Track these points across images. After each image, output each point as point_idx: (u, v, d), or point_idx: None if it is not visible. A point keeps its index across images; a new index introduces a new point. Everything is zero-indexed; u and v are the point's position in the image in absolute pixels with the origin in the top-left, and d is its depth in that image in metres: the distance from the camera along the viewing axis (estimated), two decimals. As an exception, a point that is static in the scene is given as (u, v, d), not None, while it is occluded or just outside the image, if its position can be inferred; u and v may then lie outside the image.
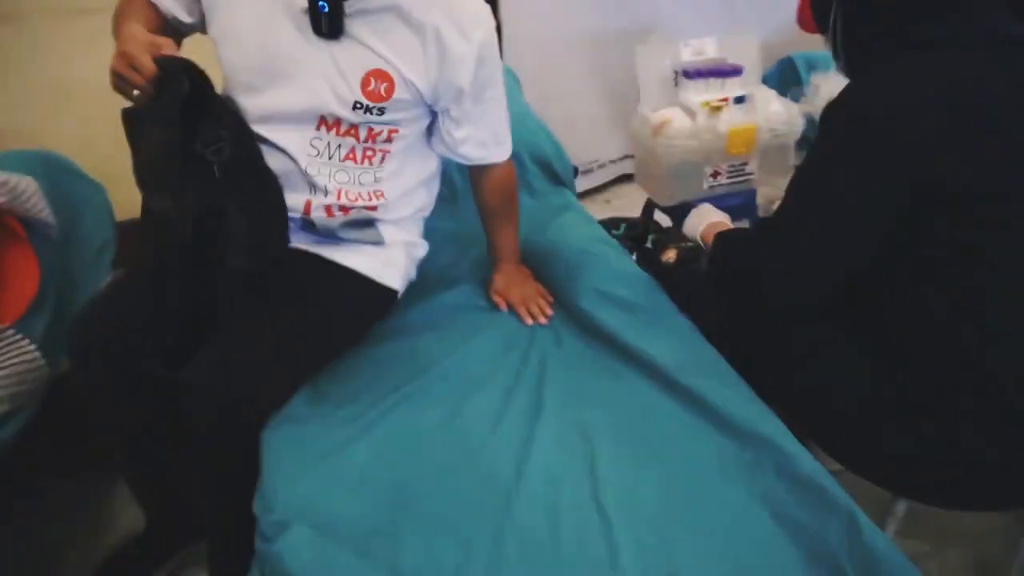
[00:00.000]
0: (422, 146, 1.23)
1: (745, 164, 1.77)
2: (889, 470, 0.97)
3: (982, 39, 0.87)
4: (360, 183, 1.15)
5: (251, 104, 1.08)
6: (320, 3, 1.00)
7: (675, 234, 1.80)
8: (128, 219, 1.69)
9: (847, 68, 1.03)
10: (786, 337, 1.08)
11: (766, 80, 1.86)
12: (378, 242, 1.19)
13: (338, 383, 1.10)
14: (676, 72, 1.81)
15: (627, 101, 1.99)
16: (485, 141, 1.21)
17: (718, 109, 1.68)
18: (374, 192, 1.17)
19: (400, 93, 1.09)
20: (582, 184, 2.45)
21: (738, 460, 0.94)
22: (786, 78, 1.95)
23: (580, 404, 1.05)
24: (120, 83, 0.94)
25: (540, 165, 1.58)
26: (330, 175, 1.13)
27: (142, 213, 1.02)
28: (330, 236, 1.17)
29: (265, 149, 1.09)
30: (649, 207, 1.98)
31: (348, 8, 1.02)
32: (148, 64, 0.91)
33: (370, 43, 1.05)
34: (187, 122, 0.94)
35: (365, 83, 1.07)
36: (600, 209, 2.45)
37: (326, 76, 1.06)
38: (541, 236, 1.40)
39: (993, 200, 0.85)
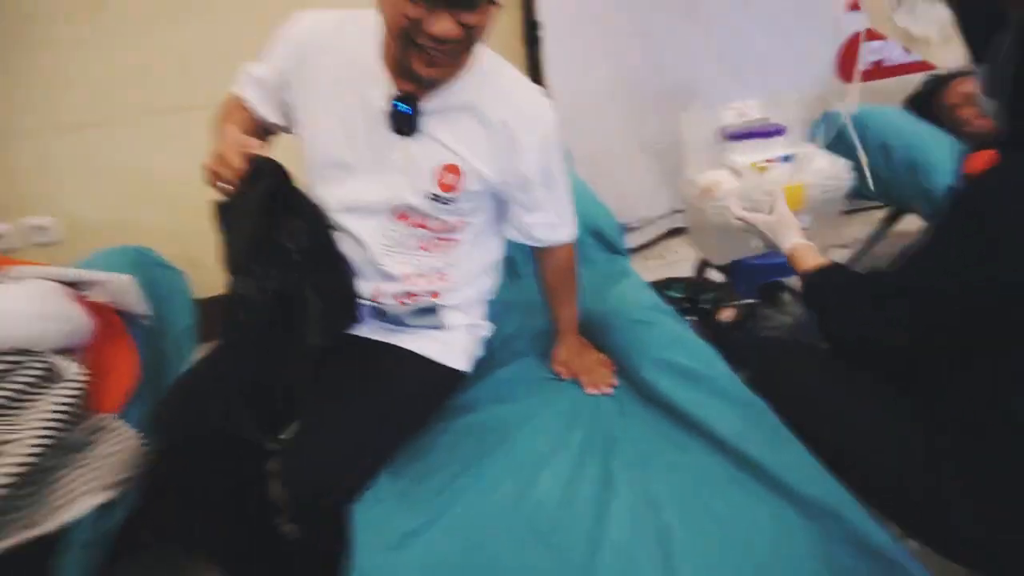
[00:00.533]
0: (489, 234, 1.29)
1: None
2: (963, 552, 0.96)
3: None
4: (428, 272, 1.21)
5: (332, 195, 1.16)
6: (399, 105, 1.09)
7: (730, 291, 1.84)
8: (207, 297, 1.83)
9: (1012, 136, 0.93)
10: (848, 409, 1.09)
11: (813, 135, 1.90)
12: (439, 327, 1.25)
13: (415, 460, 1.15)
14: (721, 134, 1.86)
15: (672, 158, 2.05)
16: (554, 223, 1.27)
17: (765, 169, 1.72)
18: (440, 278, 1.23)
19: (470, 185, 1.15)
20: (634, 240, 2.49)
21: (808, 531, 0.95)
22: (831, 133, 1.97)
23: (648, 476, 1.07)
24: (213, 178, 1.02)
25: (594, 235, 1.63)
26: (401, 264, 1.19)
27: (227, 293, 1.06)
28: (397, 323, 1.24)
29: (342, 237, 1.17)
30: (702, 265, 2.01)
31: (423, 109, 1.10)
32: (238, 163, 0.99)
33: (442, 139, 1.13)
34: (271, 213, 1.02)
35: (438, 176, 1.14)
36: (654, 265, 2.48)
37: (402, 170, 1.14)
38: (600, 306, 1.44)
39: None
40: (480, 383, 1.31)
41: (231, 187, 1.01)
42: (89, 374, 1.23)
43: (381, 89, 1.10)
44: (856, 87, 1.93)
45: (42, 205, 2.02)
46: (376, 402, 1.15)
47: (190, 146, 2.08)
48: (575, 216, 1.30)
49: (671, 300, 1.88)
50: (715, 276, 2.00)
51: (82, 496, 1.06)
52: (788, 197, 1.71)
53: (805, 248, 1.22)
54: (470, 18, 0.98)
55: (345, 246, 1.17)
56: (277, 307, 1.05)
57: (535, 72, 2.13)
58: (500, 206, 1.25)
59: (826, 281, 1.13)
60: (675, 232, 2.56)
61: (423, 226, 1.18)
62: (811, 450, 1.06)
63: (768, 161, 1.74)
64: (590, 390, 1.29)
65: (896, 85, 2.03)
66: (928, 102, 1.98)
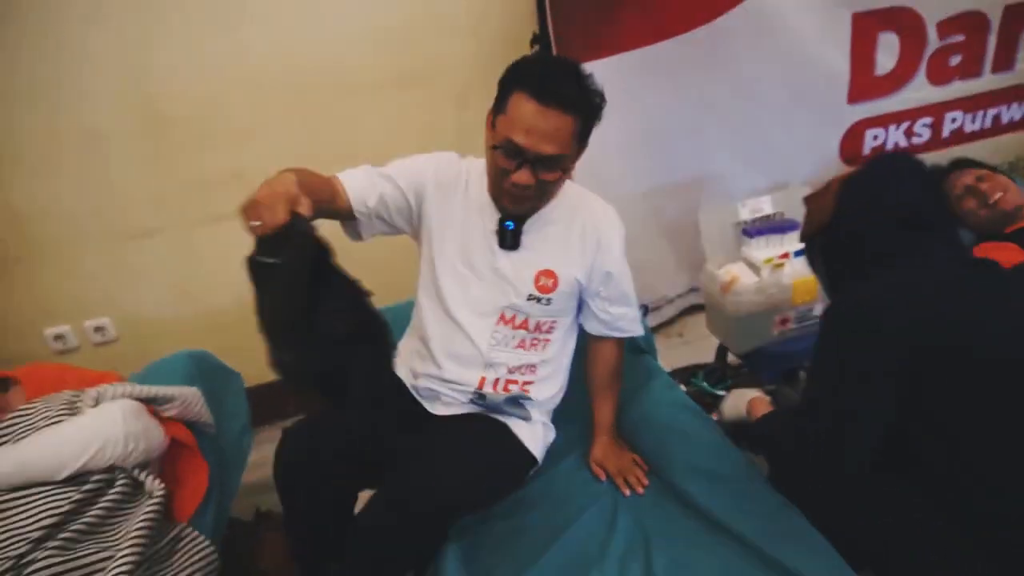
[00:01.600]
0: (571, 335, 1.49)
1: (811, 309, 1.90)
2: None
3: (929, 262, 1.13)
4: (523, 365, 1.40)
5: (450, 295, 1.37)
6: (507, 223, 1.33)
7: (749, 379, 1.93)
8: (252, 385, 1.94)
9: (829, 291, 1.33)
10: (856, 504, 1.18)
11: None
12: (527, 418, 1.43)
13: (485, 550, 1.29)
14: (738, 228, 1.98)
15: (688, 238, 2.17)
16: (634, 318, 1.49)
17: (780, 266, 1.83)
18: (531, 371, 1.42)
19: (563, 285, 1.37)
20: (654, 320, 2.60)
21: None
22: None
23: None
24: (248, 213, 1.00)
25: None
26: (504, 359, 1.39)
27: (269, 358, 1.05)
28: (493, 409, 1.41)
29: (455, 334, 1.38)
30: (722, 351, 2.11)
31: (525, 228, 1.34)
32: (281, 214, 0.97)
33: (539, 248, 1.36)
34: (308, 290, 0.99)
35: (536, 280, 1.36)
36: (674, 345, 2.58)
37: (507, 278, 1.36)
38: (631, 409, 1.54)
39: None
40: (532, 480, 1.44)
41: (261, 232, 0.98)
42: (165, 487, 1.33)
43: (490, 214, 1.35)
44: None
45: (101, 308, 2.17)
46: (478, 448, 1.35)
47: (231, 251, 2.26)
48: (640, 321, 1.52)
49: (695, 389, 1.98)
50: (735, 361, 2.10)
51: (170, 610, 1.15)
52: (802, 290, 1.84)
53: (758, 400, 1.41)
54: (547, 175, 1.23)
55: (459, 343, 1.38)
56: (318, 379, 1.12)
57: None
58: (581, 308, 1.46)
59: (766, 429, 1.31)
60: (693, 309, 2.67)
61: (524, 328, 1.39)
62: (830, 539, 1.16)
63: (783, 257, 1.86)
64: (626, 492, 1.39)
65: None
66: None
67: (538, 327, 1.40)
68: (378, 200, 1.33)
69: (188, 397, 1.48)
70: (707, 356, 2.21)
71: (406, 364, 1.47)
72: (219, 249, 2.18)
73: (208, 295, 2.26)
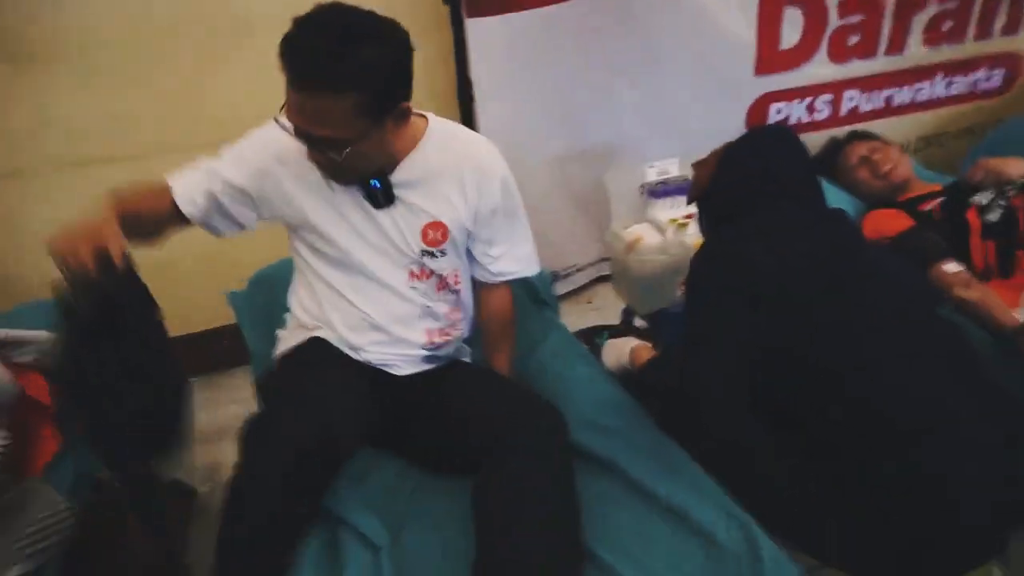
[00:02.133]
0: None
1: (714, 272, 1.91)
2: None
3: (777, 220, 1.28)
4: (452, 304, 1.39)
5: (347, 269, 1.30)
6: (372, 181, 1.22)
7: (652, 339, 1.94)
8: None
9: (705, 235, 1.50)
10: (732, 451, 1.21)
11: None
12: (465, 357, 1.46)
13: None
14: (643, 190, 1.98)
15: (600, 208, 2.16)
16: (519, 256, 1.43)
17: (685, 226, 1.85)
18: (456, 310, 1.40)
19: (454, 233, 1.31)
20: (563, 287, 2.58)
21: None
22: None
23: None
24: (54, 254, 1.00)
25: (524, 289, 1.70)
26: (436, 307, 1.35)
27: None
28: (444, 357, 1.40)
29: (387, 296, 1.31)
30: (628, 313, 2.12)
31: (394, 180, 1.24)
32: (86, 259, 0.98)
33: (420, 199, 1.28)
34: (87, 341, 1.02)
35: (424, 235, 1.29)
36: (583, 311, 2.58)
37: (394, 239, 1.28)
38: (529, 359, 1.52)
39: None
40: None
41: (67, 279, 0.98)
42: (12, 438, 1.20)
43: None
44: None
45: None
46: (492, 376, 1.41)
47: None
48: (534, 259, 1.47)
49: (598, 349, 1.97)
50: (641, 323, 2.11)
51: (12, 565, 1.04)
52: (705, 251, 1.85)
53: (640, 348, 1.49)
54: (335, 155, 1.11)
55: (393, 303, 1.32)
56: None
57: (469, 126, 2.21)
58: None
59: (650, 379, 1.38)
60: (604, 279, 2.67)
61: (436, 274, 1.34)
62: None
63: (687, 217, 1.87)
64: None
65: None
66: (828, 163, 2.17)
67: (446, 276, 1.36)
68: (206, 197, 1.25)
69: (46, 343, 1.34)
70: (614, 322, 2.22)
71: (339, 340, 1.34)
72: (94, 196, 2.01)
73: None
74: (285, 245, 1.45)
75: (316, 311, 1.36)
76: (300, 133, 1.10)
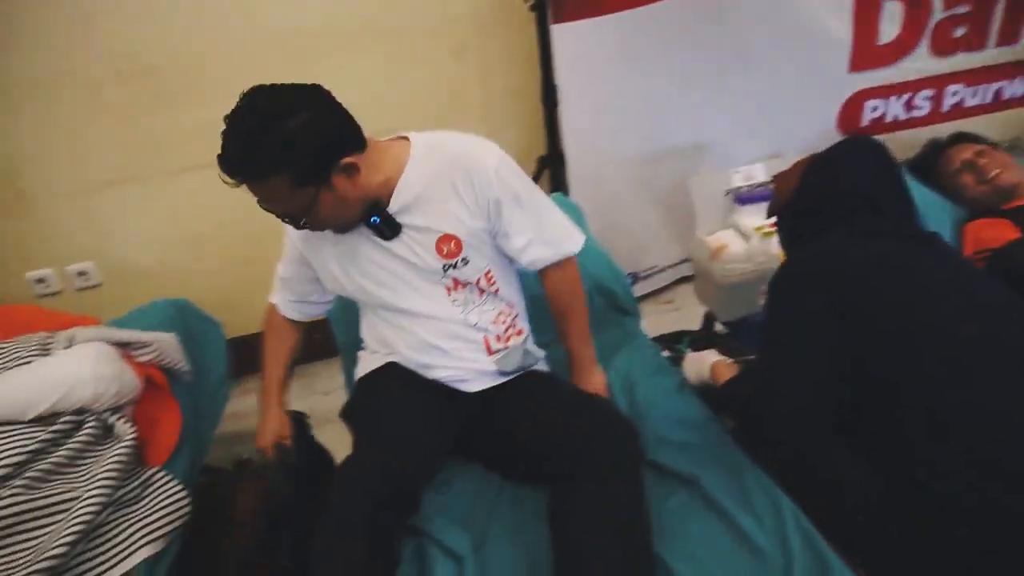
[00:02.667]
0: (511, 276, 1.43)
1: (799, 280, 1.87)
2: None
3: (858, 232, 1.22)
4: (503, 309, 1.39)
5: (390, 307, 1.36)
6: (373, 219, 1.26)
7: (734, 347, 1.92)
8: (236, 336, 1.94)
9: (786, 249, 1.43)
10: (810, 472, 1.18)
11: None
12: (538, 360, 1.45)
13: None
14: (729, 195, 1.95)
15: (683, 209, 2.13)
16: (549, 240, 1.36)
17: (771, 234, 1.81)
18: (510, 309, 1.41)
19: (467, 239, 1.30)
20: (644, 288, 2.58)
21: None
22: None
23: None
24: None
25: (604, 296, 1.72)
26: (480, 313, 1.36)
27: None
28: (516, 371, 1.40)
29: (434, 326, 1.35)
30: (709, 318, 2.09)
31: (392, 210, 1.26)
32: (270, 453, 1.37)
33: (423, 223, 1.28)
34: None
35: (439, 251, 1.30)
36: (663, 311, 2.57)
37: (413, 264, 1.31)
38: (607, 370, 1.53)
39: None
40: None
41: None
42: (138, 430, 1.33)
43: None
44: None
45: (84, 253, 2.14)
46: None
47: (217, 200, 2.22)
48: (575, 229, 1.41)
49: (679, 355, 1.97)
50: (721, 328, 2.09)
51: (137, 549, 1.15)
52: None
53: (720, 365, 1.41)
54: (302, 218, 1.19)
55: (439, 329, 1.35)
56: None
57: (553, 130, 2.24)
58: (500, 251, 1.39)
59: (731, 395, 1.32)
60: (686, 279, 2.64)
61: (470, 283, 1.35)
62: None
63: (773, 225, 1.82)
64: None
65: (896, 141, 2.11)
66: (928, 167, 2.07)
67: (478, 282, 1.35)
68: (298, 302, 1.50)
69: (164, 343, 1.46)
70: (695, 324, 2.20)
71: (409, 362, 1.39)
72: (200, 198, 2.15)
73: (195, 244, 2.23)
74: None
75: (382, 341, 1.42)
76: (267, 210, 1.19)
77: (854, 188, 1.27)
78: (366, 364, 1.44)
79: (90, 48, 1.89)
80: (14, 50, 1.84)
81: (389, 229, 1.28)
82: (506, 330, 1.40)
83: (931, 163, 2.07)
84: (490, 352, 1.38)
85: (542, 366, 1.48)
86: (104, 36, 1.89)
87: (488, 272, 1.36)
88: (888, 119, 2.43)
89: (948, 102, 2.46)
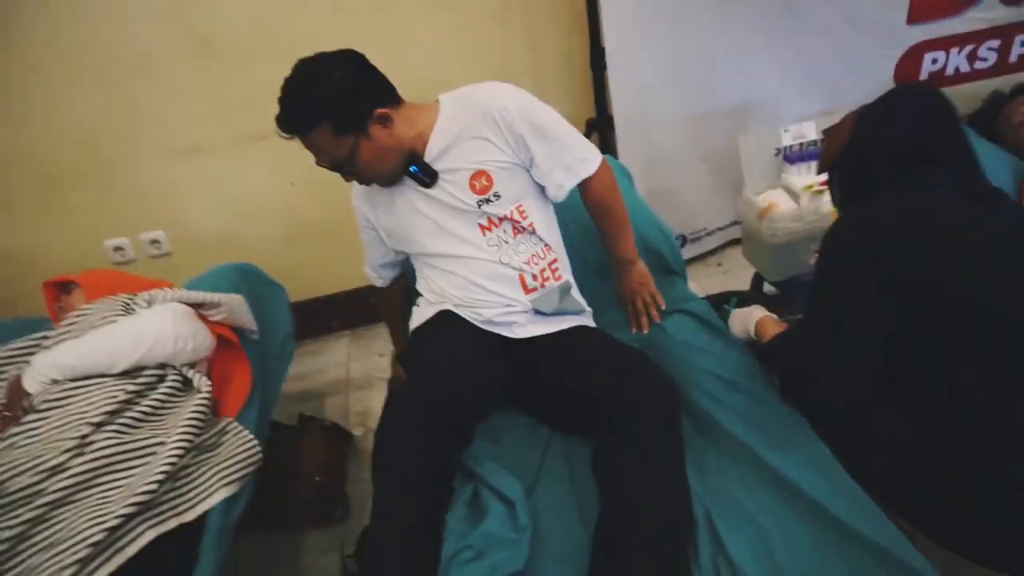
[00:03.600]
0: (546, 210, 1.53)
1: (850, 239, 1.85)
2: (974, 548, 1.06)
3: (914, 186, 1.19)
4: (537, 250, 1.48)
5: (434, 253, 1.48)
6: (412, 168, 1.40)
7: (783, 306, 1.92)
8: (297, 301, 2.03)
9: (842, 206, 1.38)
10: (855, 427, 1.19)
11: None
12: (582, 311, 1.54)
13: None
14: (779, 154, 1.94)
15: (733, 171, 2.13)
16: (570, 164, 1.47)
17: (820, 192, 1.80)
18: (548, 250, 1.49)
19: (497, 173, 1.42)
20: (693, 251, 2.58)
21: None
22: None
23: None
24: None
25: (652, 256, 1.74)
26: (518, 256, 1.46)
27: None
28: (556, 314, 1.48)
29: (473, 265, 1.45)
30: (758, 279, 2.10)
31: (428, 159, 1.41)
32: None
33: (456, 164, 1.42)
34: None
35: (472, 187, 1.42)
36: (712, 273, 2.57)
37: (452, 204, 1.43)
38: (656, 330, 1.58)
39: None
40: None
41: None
42: (212, 384, 1.43)
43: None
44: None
45: (156, 222, 2.28)
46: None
47: (282, 169, 2.31)
48: (592, 147, 1.50)
49: (726, 315, 1.98)
50: (771, 289, 2.09)
51: (217, 490, 1.26)
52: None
53: (766, 320, 1.42)
54: (350, 167, 1.36)
55: (478, 268, 1.45)
56: None
57: (601, 93, 2.24)
58: (532, 182, 1.49)
59: (777, 350, 1.32)
60: (735, 242, 2.63)
61: (504, 220, 1.45)
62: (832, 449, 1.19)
63: (823, 184, 1.81)
64: (632, 329, 1.61)
65: (958, 95, 2.04)
66: (990, 120, 2.00)
67: (511, 216, 1.45)
68: (378, 253, 1.66)
69: (234, 304, 1.56)
70: (744, 285, 2.21)
71: (460, 308, 1.46)
72: (267, 167, 2.26)
73: (258, 213, 2.34)
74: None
75: (432, 290, 1.51)
76: (320, 165, 1.36)
77: (908, 137, 1.23)
78: (420, 316, 1.52)
79: (155, 23, 1.98)
80: (89, 27, 1.95)
81: (427, 176, 1.41)
82: (542, 272, 1.47)
83: (993, 116, 2.01)
84: (526, 290, 1.46)
85: (589, 321, 1.55)
86: (168, 11, 1.98)
87: (520, 206, 1.45)
88: (949, 72, 2.35)
89: (1016, 52, 2.35)
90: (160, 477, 1.18)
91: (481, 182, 1.42)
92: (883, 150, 1.25)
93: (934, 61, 2.32)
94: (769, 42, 2.22)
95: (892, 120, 1.26)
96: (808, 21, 2.20)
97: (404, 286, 1.75)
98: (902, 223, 1.12)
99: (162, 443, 1.25)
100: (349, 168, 1.36)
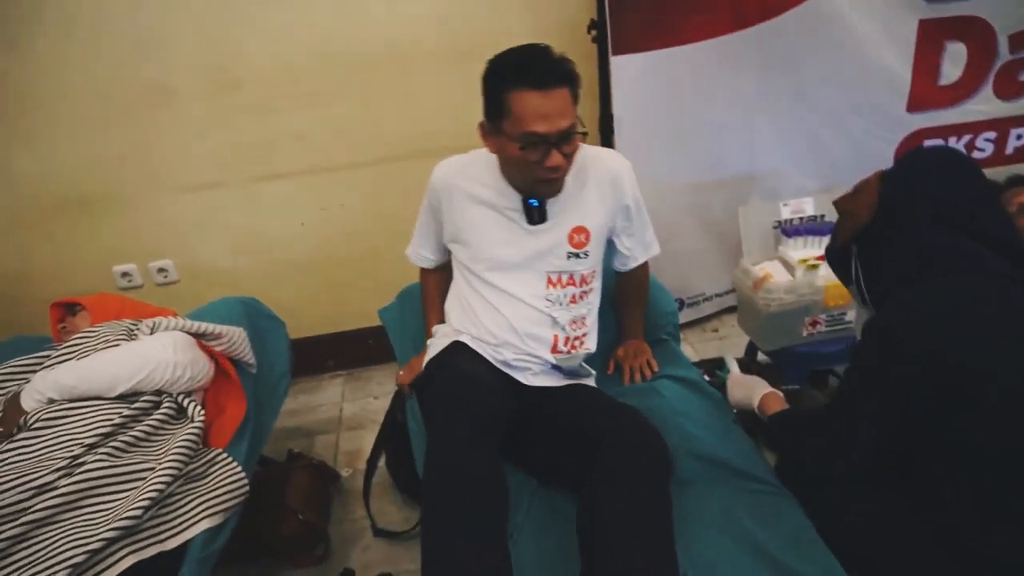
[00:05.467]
0: (600, 284, 1.61)
1: (843, 314, 1.89)
2: None
3: (980, 274, 1.07)
4: (578, 319, 1.54)
5: (499, 280, 1.51)
6: (531, 200, 1.45)
7: (775, 376, 1.94)
8: (297, 338, 2.06)
9: (862, 300, 1.28)
10: (851, 510, 1.20)
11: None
12: (590, 375, 1.60)
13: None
14: (777, 227, 1.99)
15: (732, 240, 2.18)
16: (648, 243, 1.65)
17: (815, 267, 1.84)
18: (583, 323, 1.55)
19: (595, 234, 1.51)
20: (690, 315, 2.62)
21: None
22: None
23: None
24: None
25: (650, 317, 1.78)
26: (564, 317, 1.51)
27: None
28: (570, 373, 1.56)
29: (519, 308, 1.50)
30: (752, 348, 2.12)
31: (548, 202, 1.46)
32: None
33: (564, 210, 1.49)
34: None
35: (571, 239, 1.50)
36: (708, 339, 2.60)
37: (543, 249, 1.49)
38: (647, 391, 1.61)
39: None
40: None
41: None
42: (206, 414, 1.45)
43: (509, 197, 1.48)
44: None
45: (165, 252, 2.32)
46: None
47: (293, 209, 2.38)
48: (655, 238, 1.68)
49: (718, 381, 2.00)
50: (764, 359, 2.11)
51: (200, 520, 1.26)
52: (834, 293, 1.83)
53: (771, 396, 1.41)
54: (569, 148, 1.36)
55: (523, 314, 1.50)
56: None
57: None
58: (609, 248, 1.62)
59: (781, 427, 1.32)
60: (732, 309, 2.67)
61: (571, 283, 1.52)
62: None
63: (818, 258, 1.86)
64: (626, 380, 1.66)
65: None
66: None
67: (583, 280, 1.52)
68: (432, 247, 1.68)
69: (234, 336, 1.59)
70: (738, 352, 2.23)
71: (480, 342, 1.51)
72: (278, 206, 2.32)
73: (265, 249, 2.39)
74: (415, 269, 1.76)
75: (466, 311, 1.55)
76: (542, 140, 1.31)
77: (944, 197, 1.11)
78: (435, 348, 1.56)
79: (184, 61, 2.07)
80: (119, 60, 2.03)
81: (540, 214, 1.46)
82: (577, 339, 1.54)
83: None
84: (554, 350, 1.51)
85: (591, 383, 1.59)
86: (196, 50, 2.06)
87: (593, 271, 1.55)
88: (947, 160, 2.42)
89: (1012, 144, 2.44)
90: (146, 503, 1.19)
91: (581, 238, 1.50)
92: (917, 210, 1.11)
93: (933, 148, 2.39)
94: (774, 119, 2.31)
95: (924, 175, 1.15)
96: (813, 101, 2.29)
97: (448, 276, 1.70)
98: (948, 330, 1.02)
99: (151, 468, 1.26)
100: (568, 148, 1.35)
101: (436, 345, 1.57)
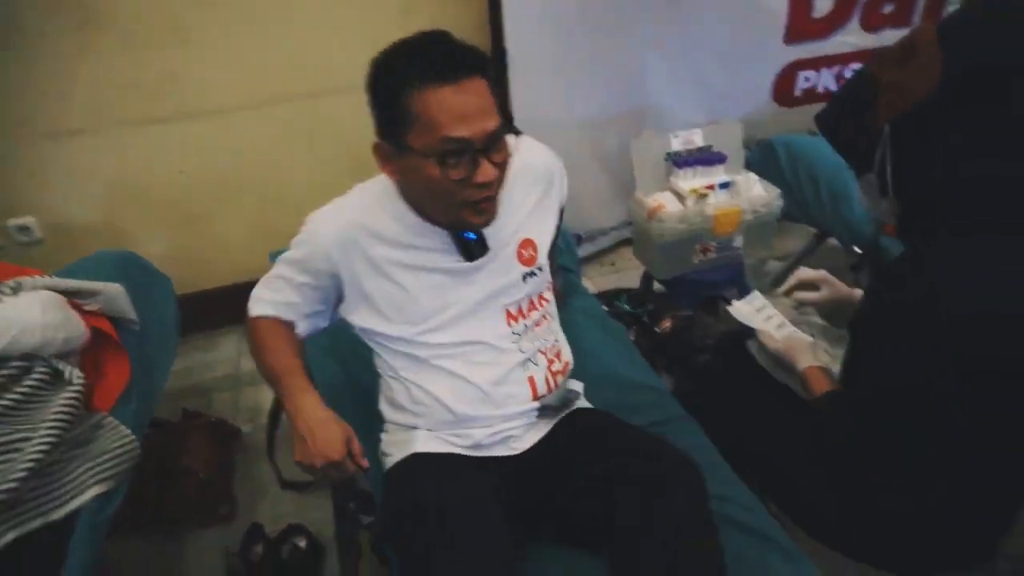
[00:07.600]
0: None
1: (731, 241, 1.99)
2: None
3: None
4: (547, 341, 1.27)
5: (447, 338, 1.19)
6: (466, 234, 1.14)
7: (669, 304, 2.03)
8: (184, 293, 1.94)
9: (905, 208, 0.98)
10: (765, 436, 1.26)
11: (748, 163, 2.09)
12: (579, 395, 1.33)
13: None
14: (668, 158, 2.04)
15: (626, 173, 2.22)
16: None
17: (705, 196, 1.91)
18: (555, 346, 1.29)
19: (542, 245, 1.25)
20: (587, 249, 2.67)
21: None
22: (767, 161, 2.17)
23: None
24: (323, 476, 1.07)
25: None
26: (533, 346, 1.24)
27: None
28: (560, 405, 1.27)
29: (489, 354, 1.20)
30: (647, 278, 2.20)
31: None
32: (349, 469, 1.05)
33: (505, 224, 1.19)
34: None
35: (519, 256, 1.21)
36: (605, 272, 2.67)
37: (495, 282, 1.19)
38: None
39: None
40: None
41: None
42: (86, 376, 1.35)
43: (437, 239, 1.15)
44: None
45: (25, 207, 2.11)
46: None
47: (171, 156, 2.22)
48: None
49: (617, 310, 2.07)
50: (659, 287, 2.19)
51: (89, 487, 1.19)
52: (724, 220, 1.92)
53: (817, 372, 1.21)
54: (499, 157, 1.05)
55: (490, 367, 1.20)
56: None
57: (503, 93, 2.28)
58: None
59: (826, 408, 1.16)
60: (627, 242, 2.74)
61: (532, 308, 1.25)
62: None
63: (708, 187, 1.93)
64: None
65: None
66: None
67: (541, 298, 1.27)
68: (308, 301, 1.21)
69: (111, 292, 1.47)
70: (635, 283, 2.31)
71: (443, 431, 1.22)
72: (152, 152, 2.15)
73: (143, 201, 2.22)
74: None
75: (418, 399, 1.22)
76: (466, 147, 1.01)
77: None
78: (394, 454, 1.24)
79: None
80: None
81: (480, 247, 1.17)
82: (558, 372, 1.27)
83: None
84: (535, 396, 1.23)
85: (583, 403, 1.34)
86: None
87: (549, 283, 1.29)
88: (820, 90, 2.55)
89: (876, 75, 2.59)
90: (23, 474, 1.10)
91: (529, 252, 1.22)
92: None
93: (807, 80, 2.52)
94: (664, 56, 2.35)
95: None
96: (699, 35, 2.34)
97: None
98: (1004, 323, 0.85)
99: (28, 439, 1.16)
100: (499, 156, 1.04)
101: (393, 449, 1.24)
